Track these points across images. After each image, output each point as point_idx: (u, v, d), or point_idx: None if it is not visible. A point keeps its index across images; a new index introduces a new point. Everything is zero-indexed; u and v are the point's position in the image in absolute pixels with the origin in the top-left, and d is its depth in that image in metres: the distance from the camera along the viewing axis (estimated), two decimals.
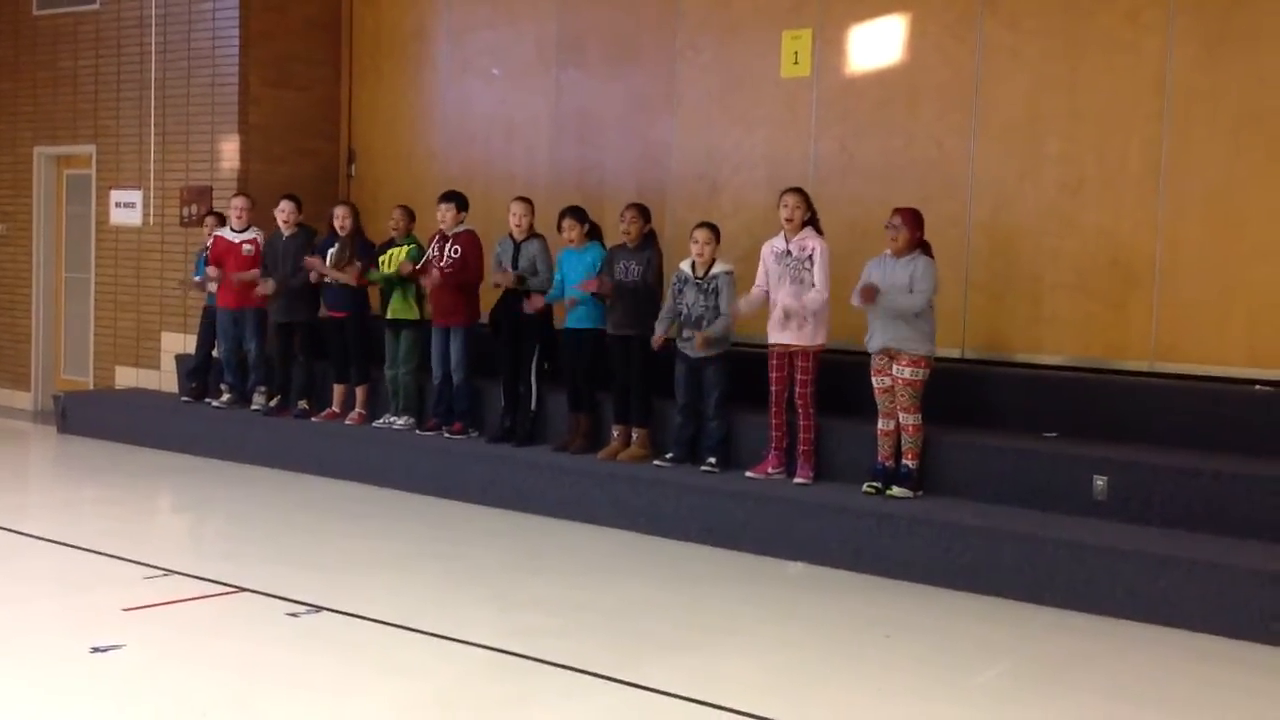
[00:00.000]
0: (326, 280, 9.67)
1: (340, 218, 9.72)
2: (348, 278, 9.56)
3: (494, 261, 8.99)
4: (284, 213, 9.99)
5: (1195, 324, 7.73)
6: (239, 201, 10.39)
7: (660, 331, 8.04)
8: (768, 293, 7.73)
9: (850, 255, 8.13)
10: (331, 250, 9.68)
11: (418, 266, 9.19)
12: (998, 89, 8.36)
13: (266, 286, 9.89)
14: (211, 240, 10.41)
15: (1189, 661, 5.68)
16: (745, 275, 8.04)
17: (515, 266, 8.81)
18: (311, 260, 9.66)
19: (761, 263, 7.80)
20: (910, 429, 7.33)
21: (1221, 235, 7.64)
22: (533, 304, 8.60)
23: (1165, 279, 7.81)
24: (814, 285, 7.55)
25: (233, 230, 10.33)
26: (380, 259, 9.46)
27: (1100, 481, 6.92)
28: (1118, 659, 5.70)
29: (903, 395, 7.31)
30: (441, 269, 9.01)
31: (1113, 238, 7.98)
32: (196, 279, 10.73)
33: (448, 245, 9.10)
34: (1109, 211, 8.00)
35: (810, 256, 7.59)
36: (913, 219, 7.40)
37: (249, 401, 10.32)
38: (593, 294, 8.30)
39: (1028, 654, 5.74)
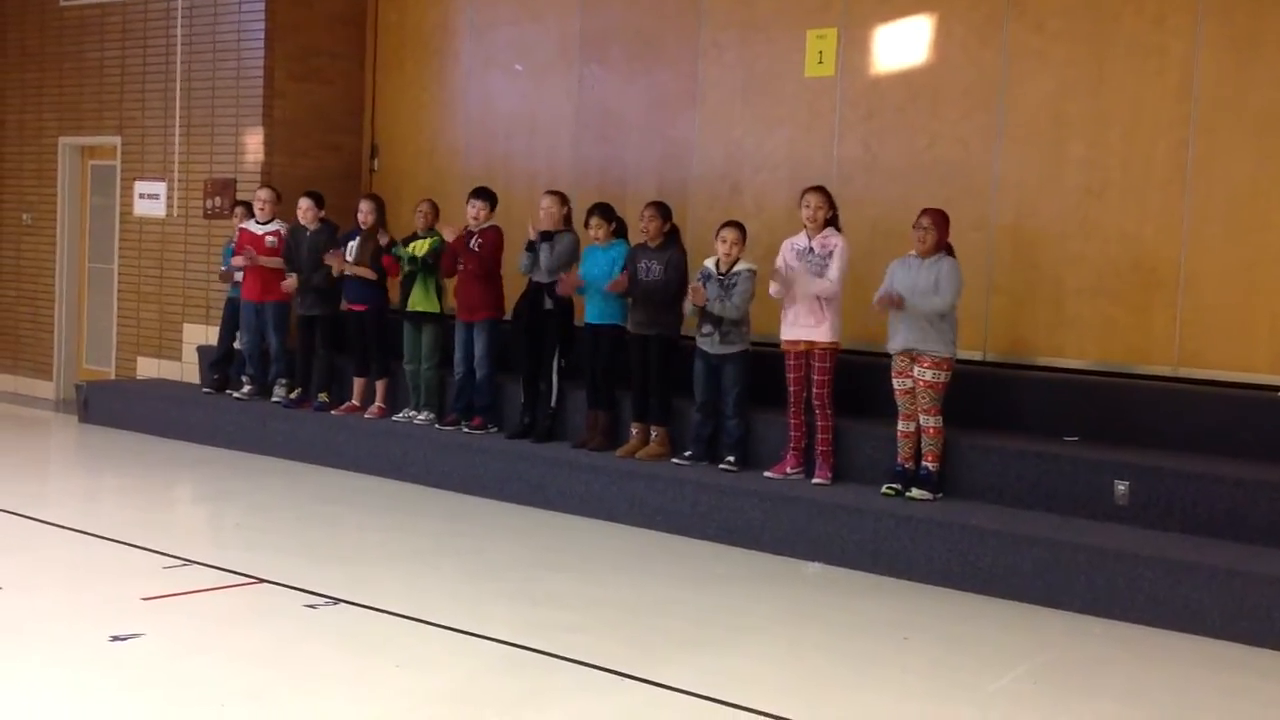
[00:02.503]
0: (348, 274, 9.69)
1: (364, 212, 9.75)
2: (368, 273, 9.60)
3: (523, 252, 8.98)
4: (302, 210, 10.01)
5: (1219, 329, 7.68)
6: (263, 194, 10.43)
7: (690, 296, 7.96)
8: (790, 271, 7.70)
9: (872, 255, 8.11)
10: (353, 244, 9.71)
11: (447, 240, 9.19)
12: (1022, 91, 8.32)
13: (289, 284, 9.93)
14: (237, 233, 10.46)
15: (1208, 669, 5.65)
16: (766, 275, 8.01)
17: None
18: (332, 255, 9.69)
19: (780, 257, 7.79)
20: (931, 431, 7.31)
21: (1246, 240, 7.59)
22: (565, 285, 8.58)
23: (1189, 284, 7.77)
24: (829, 272, 7.55)
25: (257, 223, 10.38)
26: (401, 253, 9.46)
27: (1122, 486, 6.89)
28: (1136, 665, 5.68)
29: (923, 397, 7.29)
30: (466, 242, 9.04)
31: (1137, 242, 7.94)
32: (224, 269, 10.77)
33: (472, 240, 9.12)
34: (1133, 215, 7.96)
35: (832, 253, 7.59)
36: (942, 220, 7.39)
37: (270, 393, 10.36)
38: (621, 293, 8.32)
39: (1046, 659, 5.72)
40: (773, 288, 7.75)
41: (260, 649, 5.40)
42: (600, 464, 8.24)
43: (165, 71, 11.75)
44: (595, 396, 8.58)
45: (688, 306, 8.06)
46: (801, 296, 7.61)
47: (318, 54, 11.35)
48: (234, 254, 10.45)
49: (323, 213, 10.08)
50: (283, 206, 10.41)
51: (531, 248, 8.75)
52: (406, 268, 9.41)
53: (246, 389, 10.49)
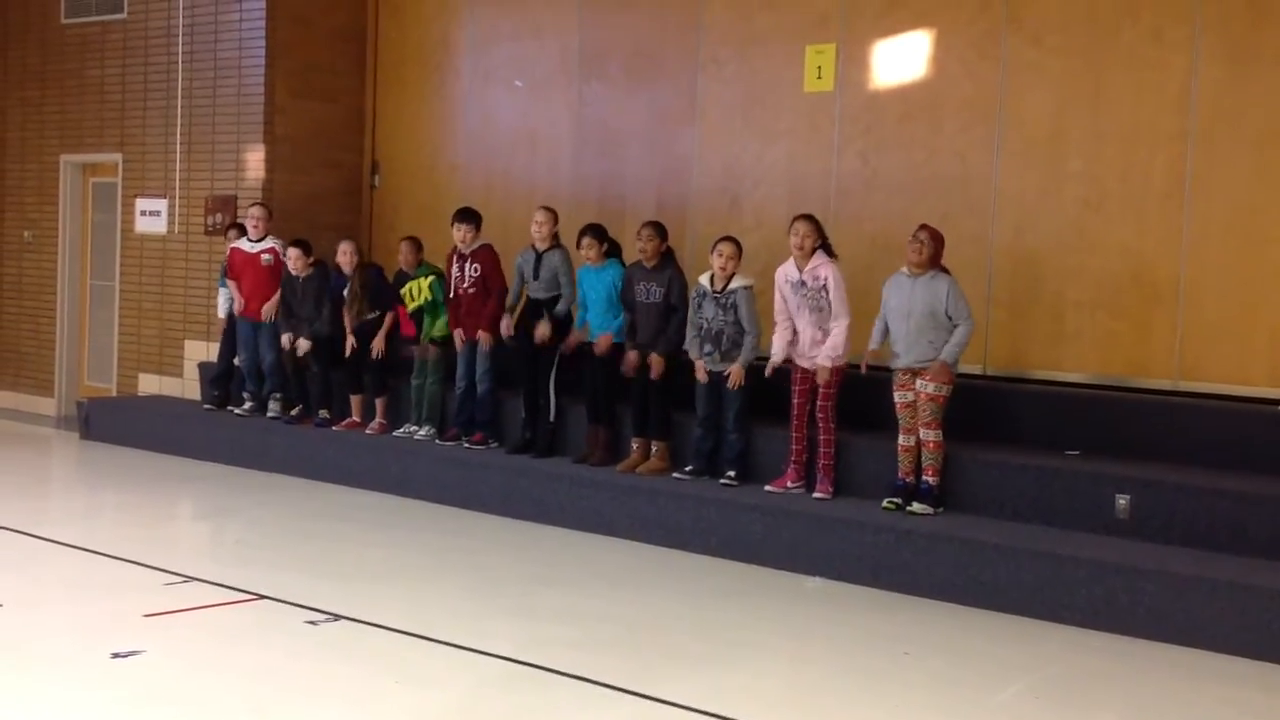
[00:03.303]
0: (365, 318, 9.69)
1: (345, 254, 9.72)
2: (379, 347, 9.61)
3: (515, 272, 9.02)
4: (293, 260, 9.99)
5: (1218, 343, 7.69)
6: (256, 211, 10.43)
7: (696, 358, 8.03)
8: (792, 327, 7.74)
9: (871, 270, 8.13)
10: (346, 292, 9.71)
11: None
12: (1021, 105, 8.35)
13: (302, 347, 9.92)
14: (229, 254, 10.47)
15: (1209, 682, 5.64)
16: (764, 289, 8.04)
17: (536, 277, 8.83)
18: (351, 352, 9.71)
19: (777, 292, 7.80)
20: (931, 445, 7.31)
21: (1245, 254, 7.60)
22: (539, 333, 8.68)
23: (1188, 297, 7.78)
24: (833, 315, 7.57)
25: (250, 241, 10.38)
26: (402, 292, 9.48)
27: (1122, 500, 6.88)
28: (1138, 679, 5.67)
29: (924, 411, 7.29)
30: (465, 291, 9.08)
31: (1136, 255, 7.95)
32: (221, 316, 10.78)
33: (467, 264, 9.13)
34: (1132, 229, 7.97)
35: (825, 286, 7.59)
36: (938, 236, 7.40)
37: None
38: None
39: (1047, 673, 5.71)
40: (775, 358, 7.80)
41: (261, 665, 5.40)
42: (601, 479, 8.24)
43: (166, 89, 11.78)
44: (596, 412, 8.58)
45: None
46: (822, 362, 7.64)
47: (318, 70, 11.39)
48: (227, 275, 10.48)
49: (312, 258, 10.04)
50: (277, 223, 10.43)
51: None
52: (412, 307, 9.40)
53: (248, 405, 10.49)
